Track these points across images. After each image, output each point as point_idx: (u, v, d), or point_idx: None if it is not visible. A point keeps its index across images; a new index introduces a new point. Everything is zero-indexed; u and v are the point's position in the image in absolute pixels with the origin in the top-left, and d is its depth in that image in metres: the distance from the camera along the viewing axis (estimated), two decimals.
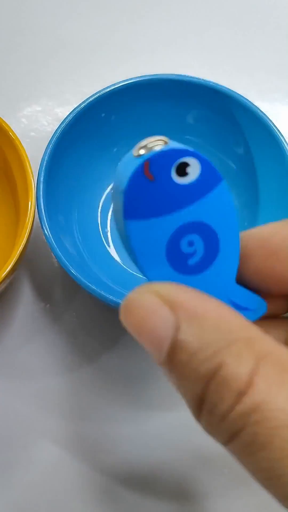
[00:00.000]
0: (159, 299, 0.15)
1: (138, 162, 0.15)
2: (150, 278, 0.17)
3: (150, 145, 0.15)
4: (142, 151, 0.15)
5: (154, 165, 0.16)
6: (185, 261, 0.17)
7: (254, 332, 0.14)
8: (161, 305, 0.15)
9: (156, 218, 0.16)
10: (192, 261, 0.17)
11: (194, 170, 0.16)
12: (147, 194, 0.16)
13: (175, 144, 0.16)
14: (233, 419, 0.13)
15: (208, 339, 0.14)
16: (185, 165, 0.16)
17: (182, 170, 0.16)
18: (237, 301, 0.17)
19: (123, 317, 0.15)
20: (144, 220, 0.16)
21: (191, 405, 0.14)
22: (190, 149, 0.16)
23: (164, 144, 0.15)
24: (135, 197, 0.16)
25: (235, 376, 0.13)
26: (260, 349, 0.14)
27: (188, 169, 0.16)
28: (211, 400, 0.13)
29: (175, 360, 0.14)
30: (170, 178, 0.16)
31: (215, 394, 0.13)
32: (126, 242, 0.17)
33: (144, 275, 0.17)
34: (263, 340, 0.14)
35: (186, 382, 0.14)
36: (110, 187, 0.32)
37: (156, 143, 0.15)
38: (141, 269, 0.17)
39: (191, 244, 0.17)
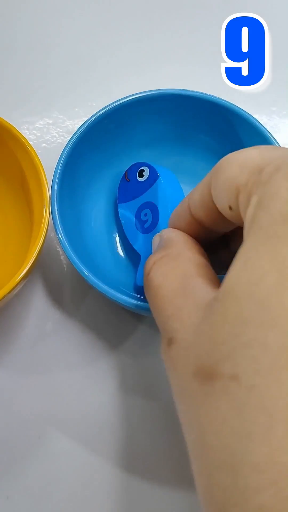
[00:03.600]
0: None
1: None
2: (126, 232, 0.31)
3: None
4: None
5: (129, 173, 0.31)
6: (143, 224, 0.30)
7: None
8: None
9: (131, 201, 0.31)
10: (146, 225, 0.30)
11: (146, 173, 0.30)
12: (127, 188, 0.31)
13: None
14: None
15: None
16: (142, 170, 0.30)
17: (140, 173, 0.30)
18: None
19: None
20: (126, 202, 0.31)
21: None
22: (145, 162, 0.31)
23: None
24: (122, 190, 0.32)
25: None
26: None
27: (144, 173, 0.30)
28: None
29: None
30: (136, 178, 0.31)
31: None
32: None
33: (125, 232, 0.31)
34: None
35: None
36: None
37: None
38: (124, 229, 0.31)
39: (145, 215, 0.30)
